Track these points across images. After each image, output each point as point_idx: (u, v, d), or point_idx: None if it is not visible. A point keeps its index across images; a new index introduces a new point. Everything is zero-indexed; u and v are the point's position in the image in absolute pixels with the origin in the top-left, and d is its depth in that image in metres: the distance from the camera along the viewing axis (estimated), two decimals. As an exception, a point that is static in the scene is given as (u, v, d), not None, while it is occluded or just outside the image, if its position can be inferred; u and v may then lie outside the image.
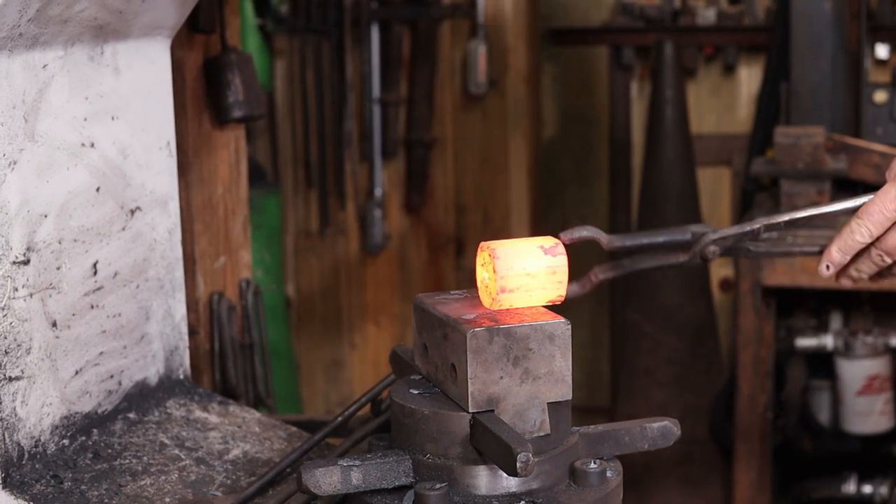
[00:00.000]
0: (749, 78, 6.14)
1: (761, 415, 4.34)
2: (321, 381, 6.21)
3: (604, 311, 6.52)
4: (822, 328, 4.50)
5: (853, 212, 1.86)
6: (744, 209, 4.83)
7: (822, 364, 4.51)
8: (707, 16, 6.06)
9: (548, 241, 1.72)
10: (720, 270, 6.13)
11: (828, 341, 4.41)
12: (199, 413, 2.18)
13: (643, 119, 5.99)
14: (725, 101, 6.24)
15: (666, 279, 5.34)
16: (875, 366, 4.35)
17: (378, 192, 5.94)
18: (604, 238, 1.72)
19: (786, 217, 1.85)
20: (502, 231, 5.85)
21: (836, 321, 4.48)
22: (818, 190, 4.13)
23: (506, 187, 5.98)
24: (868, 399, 4.35)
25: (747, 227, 1.82)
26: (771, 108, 4.88)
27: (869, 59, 5.08)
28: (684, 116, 5.55)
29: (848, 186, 4.26)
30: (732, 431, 4.48)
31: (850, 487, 4.56)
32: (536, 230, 6.11)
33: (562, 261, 1.70)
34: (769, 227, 1.84)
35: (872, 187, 3.97)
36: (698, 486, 5.26)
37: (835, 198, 4.16)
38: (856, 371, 4.34)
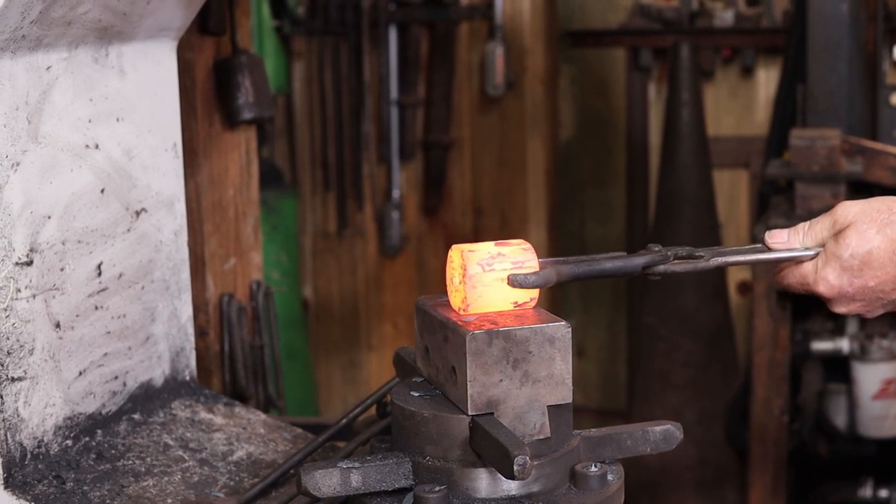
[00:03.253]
0: (767, 80, 6.12)
1: (776, 418, 4.32)
2: (339, 383, 6.22)
3: (621, 314, 6.50)
4: (838, 331, 4.47)
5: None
6: (761, 211, 4.81)
7: (839, 368, 4.48)
8: (724, 18, 6.04)
9: (521, 296, 1.73)
10: (738, 274, 6.11)
11: (843, 345, 4.38)
12: (204, 414, 2.18)
13: (661, 121, 5.98)
14: (743, 103, 6.22)
15: (682, 283, 5.32)
16: (891, 370, 4.32)
17: (396, 193, 5.94)
18: (552, 278, 1.73)
19: (732, 259, 1.92)
20: (519, 233, 5.84)
21: (852, 325, 4.45)
22: (833, 193, 4.10)
23: (523, 189, 5.97)
24: (884, 403, 4.32)
25: (700, 265, 1.89)
26: (788, 110, 4.85)
27: (886, 62, 5.06)
28: (701, 119, 5.54)
29: (864, 189, 4.24)
30: (747, 435, 4.46)
31: (866, 492, 4.53)
32: (553, 232, 6.10)
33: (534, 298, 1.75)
34: (719, 266, 1.93)
35: (889, 191, 3.95)
36: (713, 490, 5.24)
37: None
38: (871, 375, 4.32)
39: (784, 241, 1.92)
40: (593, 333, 6.55)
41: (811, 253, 1.90)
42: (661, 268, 1.86)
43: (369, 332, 6.16)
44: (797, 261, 1.92)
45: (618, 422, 5.73)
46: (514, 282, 1.71)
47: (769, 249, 1.94)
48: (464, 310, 1.70)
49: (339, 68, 5.82)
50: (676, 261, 1.88)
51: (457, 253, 1.72)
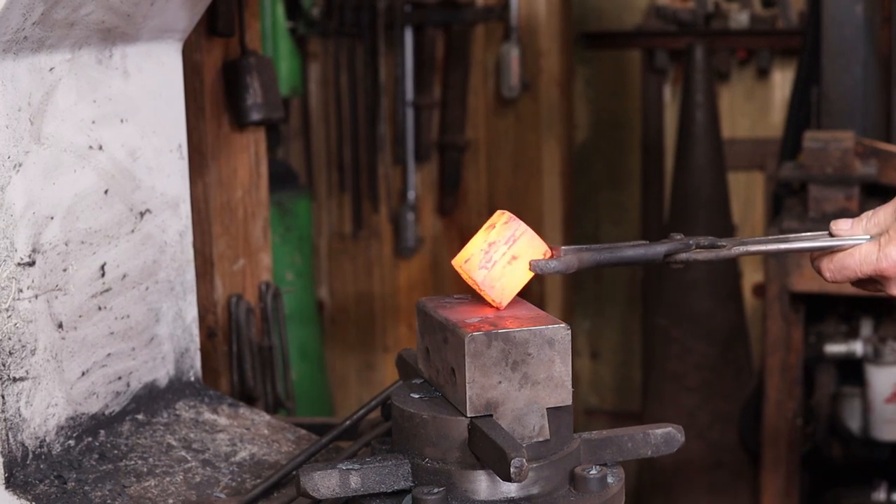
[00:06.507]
0: (783, 82, 6.10)
1: (789, 421, 4.30)
2: (354, 384, 6.22)
3: (635, 315, 6.49)
4: (852, 334, 4.45)
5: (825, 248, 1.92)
6: (775, 214, 4.80)
7: (853, 370, 4.47)
8: (740, 19, 6.02)
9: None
10: (753, 276, 6.09)
11: (857, 347, 4.36)
12: (208, 415, 2.19)
13: (676, 123, 5.96)
14: (759, 105, 6.20)
15: (696, 285, 5.31)
16: (905, 373, 4.31)
17: (411, 195, 5.93)
18: (574, 264, 1.73)
19: (754, 248, 1.90)
20: (534, 235, 5.81)
21: (866, 327, 4.43)
22: (847, 195, 4.09)
23: (538, 191, 5.96)
24: (897, 406, 4.31)
25: (722, 254, 1.88)
26: (802, 112, 4.84)
27: (901, 64, 5.03)
28: (715, 121, 5.52)
29: (878, 191, 4.22)
30: (761, 438, 4.44)
31: (880, 495, 4.51)
32: (568, 234, 6.09)
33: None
34: (741, 255, 1.91)
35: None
36: (727, 493, 5.23)
37: (862, 204, 4.12)
38: (885, 378, 4.30)
39: (847, 228, 1.92)
40: (608, 335, 6.54)
41: (835, 242, 1.90)
42: (684, 256, 1.85)
43: (384, 333, 6.16)
44: (844, 246, 1.90)
45: (632, 424, 5.72)
46: (536, 268, 1.72)
47: (795, 240, 1.93)
48: (499, 307, 1.73)
49: (354, 70, 5.82)
50: (698, 249, 1.87)
51: (460, 271, 1.74)
